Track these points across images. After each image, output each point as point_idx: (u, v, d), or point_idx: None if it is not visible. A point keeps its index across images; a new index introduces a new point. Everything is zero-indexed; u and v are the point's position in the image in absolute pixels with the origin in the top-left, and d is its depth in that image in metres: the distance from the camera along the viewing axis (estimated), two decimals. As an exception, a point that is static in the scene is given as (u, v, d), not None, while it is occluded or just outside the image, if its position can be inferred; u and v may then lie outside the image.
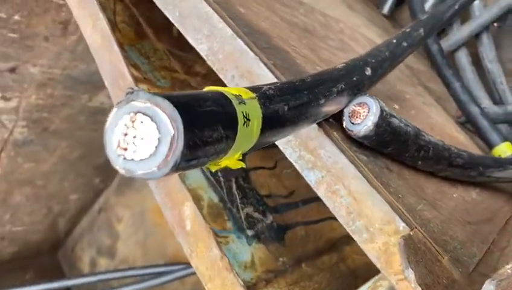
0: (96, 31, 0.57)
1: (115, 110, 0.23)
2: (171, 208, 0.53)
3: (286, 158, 0.56)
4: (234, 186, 0.60)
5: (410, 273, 0.34)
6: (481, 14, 1.07)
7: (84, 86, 1.31)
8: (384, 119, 0.41)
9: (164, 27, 0.73)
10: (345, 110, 0.43)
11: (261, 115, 0.29)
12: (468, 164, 0.57)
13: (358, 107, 0.42)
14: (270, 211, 0.63)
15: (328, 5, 0.95)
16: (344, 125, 0.43)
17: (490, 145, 0.87)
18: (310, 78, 0.37)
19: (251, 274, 0.53)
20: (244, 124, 0.27)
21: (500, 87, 1.07)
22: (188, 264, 1.32)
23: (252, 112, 0.28)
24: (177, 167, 0.23)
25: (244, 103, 0.28)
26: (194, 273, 1.33)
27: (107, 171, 1.51)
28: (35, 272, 1.46)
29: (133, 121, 0.23)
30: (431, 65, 1.07)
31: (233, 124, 0.26)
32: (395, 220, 0.39)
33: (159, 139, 0.23)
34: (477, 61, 1.11)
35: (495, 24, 1.11)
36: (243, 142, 0.28)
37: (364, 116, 0.41)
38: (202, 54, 0.48)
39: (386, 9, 1.21)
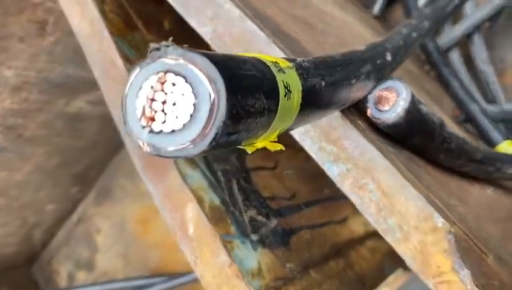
0: (84, 19, 0.52)
1: (137, 69, 0.18)
2: (171, 210, 0.48)
3: (286, 158, 0.51)
4: (236, 188, 0.56)
5: (466, 274, 0.30)
6: (473, 13, 1.05)
7: (61, 90, 1.24)
8: (414, 105, 0.37)
9: (155, 20, 0.68)
10: (369, 96, 0.39)
11: (301, 88, 0.24)
12: (486, 159, 0.53)
13: (386, 92, 0.38)
14: (273, 214, 0.58)
15: (322, 2, 0.92)
16: (369, 113, 0.39)
17: (492, 144, 0.84)
18: (339, 55, 0.33)
19: (259, 282, 0.48)
20: (285, 96, 0.23)
21: (492, 87, 1.05)
22: (171, 276, 1.26)
23: (292, 83, 0.24)
24: (217, 142, 0.18)
25: (284, 72, 0.23)
26: (177, 286, 1.27)
27: (85, 180, 1.44)
28: (9, 287, 1.37)
29: (162, 83, 0.18)
30: (425, 64, 1.05)
31: (275, 94, 0.22)
32: (433, 216, 0.35)
33: (195, 105, 0.18)
34: (468, 61, 1.10)
35: (486, 24, 1.09)
36: (283, 117, 0.23)
37: (393, 101, 0.37)
38: (206, 37, 0.43)
39: (376, 9, 1.18)
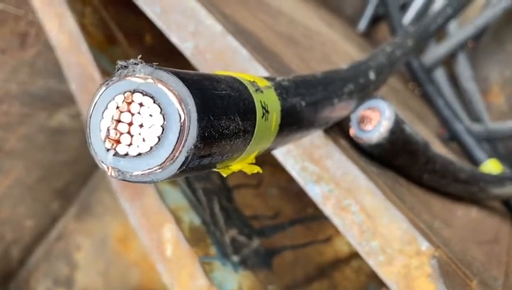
0: (63, 31, 0.51)
1: (102, 88, 0.17)
2: (148, 230, 0.46)
3: (270, 176, 0.50)
4: (217, 207, 0.54)
5: (450, 302, 0.29)
6: (457, 32, 1.06)
7: (43, 103, 1.22)
8: (398, 125, 0.37)
9: (137, 33, 0.67)
10: (352, 115, 0.38)
11: (280, 108, 0.23)
12: (470, 179, 0.53)
13: (369, 112, 0.37)
14: (256, 234, 0.57)
15: (307, 19, 0.92)
16: (352, 133, 0.38)
17: (476, 163, 0.84)
18: (321, 74, 0.32)
19: (239, 305, 0.47)
20: (263, 117, 0.22)
21: (477, 105, 1.05)
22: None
23: (270, 103, 0.23)
24: (187, 166, 0.17)
25: (261, 92, 0.22)
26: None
27: (66, 195, 1.41)
28: (-16, 307, 1.33)
29: (128, 103, 0.17)
30: (410, 82, 1.05)
31: (251, 115, 0.21)
32: (417, 239, 0.34)
33: (163, 127, 0.17)
34: (453, 80, 1.10)
35: (470, 43, 1.11)
36: (261, 139, 0.22)
37: (376, 121, 0.37)
38: (187, 53, 0.42)
39: (362, 26, 1.19)
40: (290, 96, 0.25)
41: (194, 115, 0.17)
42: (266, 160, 0.45)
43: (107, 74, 0.55)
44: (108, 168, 0.17)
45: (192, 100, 0.17)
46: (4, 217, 1.28)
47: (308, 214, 0.66)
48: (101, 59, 0.57)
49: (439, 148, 0.84)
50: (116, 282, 1.39)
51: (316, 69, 0.62)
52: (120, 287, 1.38)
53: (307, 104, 0.27)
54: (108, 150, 0.17)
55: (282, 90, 0.24)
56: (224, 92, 0.19)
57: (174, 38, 0.43)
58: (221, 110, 0.18)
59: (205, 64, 0.42)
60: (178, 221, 0.47)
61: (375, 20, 1.20)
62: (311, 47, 0.72)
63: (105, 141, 0.17)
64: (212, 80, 0.19)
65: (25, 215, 1.33)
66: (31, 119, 1.22)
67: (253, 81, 0.22)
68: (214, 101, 0.18)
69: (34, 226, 1.38)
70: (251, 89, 0.21)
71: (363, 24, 1.20)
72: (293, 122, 0.25)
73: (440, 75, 1.07)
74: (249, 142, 0.21)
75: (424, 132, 0.85)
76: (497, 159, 0.91)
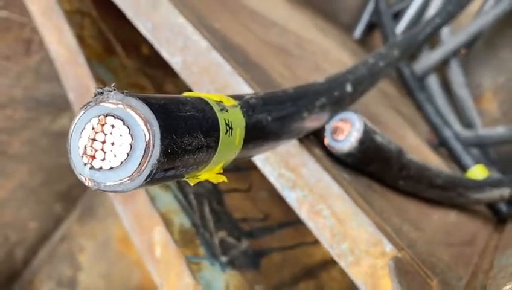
0: (62, 44, 0.54)
1: (81, 112, 0.20)
2: (139, 233, 0.49)
3: (261, 180, 0.53)
4: (207, 210, 0.57)
5: (404, 298, 0.31)
6: (450, 39, 1.09)
7: (47, 108, 1.26)
8: (367, 135, 0.40)
9: (133, 44, 0.70)
10: (326, 126, 0.41)
11: (244, 125, 0.26)
12: (448, 185, 0.56)
13: (341, 123, 0.40)
14: (245, 236, 0.60)
15: (300, 27, 0.94)
16: (326, 142, 0.41)
17: (463, 168, 0.87)
18: (292, 90, 0.35)
19: (226, 303, 0.49)
20: (226, 133, 0.24)
21: (469, 111, 1.08)
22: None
23: (234, 120, 0.26)
24: (153, 178, 0.20)
25: (226, 110, 0.25)
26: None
27: (69, 198, 1.44)
28: (-11, 306, 1.36)
29: (102, 125, 0.20)
30: (402, 89, 1.08)
31: (214, 132, 0.24)
32: (382, 241, 0.36)
33: (131, 145, 0.20)
34: (446, 86, 1.13)
35: (462, 50, 1.13)
36: (225, 152, 0.25)
37: (347, 132, 0.39)
38: (176, 67, 0.46)
39: (358, 33, 1.22)
40: (256, 113, 0.28)
41: (158, 135, 0.20)
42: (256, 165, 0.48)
43: (103, 83, 0.58)
44: (85, 179, 0.20)
45: (156, 122, 0.20)
46: (8, 219, 1.32)
47: (297, 217, 0.69)
48: (99, 69, 0.60)
49: (428, 154, 0.87)
50: (118, 283, 1.42)
51: (304, 78, 0.65)
52: (122, 287, 1.41)
53: (273, 119, 0.30)
54: (85, 164, 0.20)
55: (248, 107, 0.27)
56: (188, 113, 0.22)
57: (164, 53, 0.46)
58: (184, 129, 0.21)
59: (192, 78, 0.45)
60: (168, 223, 0.50)
61: (371, 27, 1.23)
62: (301, 56, 0.75)
63: (82, 157, 0.20)
64: (177, 103, 0.22)
65: (28, 217, 1.37)
66: (35, 124, 1.26)
67: (220, 101, 0.25)
68: (177, 122, 0.21)
69: (38, 228, 1.41)
70: (216, 109, 0.24)
71: (358, 31, 1.22)
72: (258, 137, 0.28)
73: (432, 81, 1.09)
74: (213, 156, 0.24)
75: (414, 137, 0.88)
76: (489, 164, 0.93)
